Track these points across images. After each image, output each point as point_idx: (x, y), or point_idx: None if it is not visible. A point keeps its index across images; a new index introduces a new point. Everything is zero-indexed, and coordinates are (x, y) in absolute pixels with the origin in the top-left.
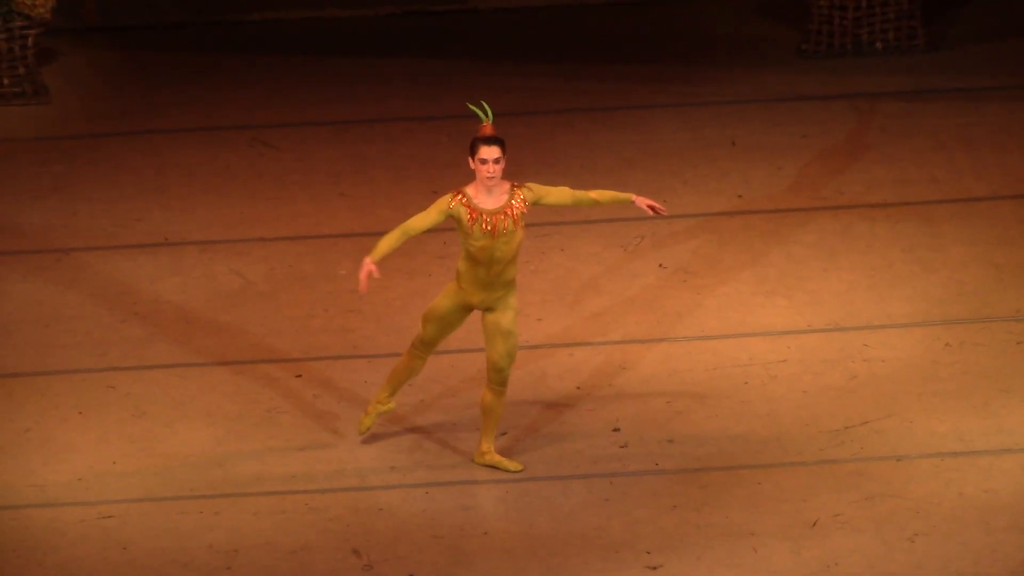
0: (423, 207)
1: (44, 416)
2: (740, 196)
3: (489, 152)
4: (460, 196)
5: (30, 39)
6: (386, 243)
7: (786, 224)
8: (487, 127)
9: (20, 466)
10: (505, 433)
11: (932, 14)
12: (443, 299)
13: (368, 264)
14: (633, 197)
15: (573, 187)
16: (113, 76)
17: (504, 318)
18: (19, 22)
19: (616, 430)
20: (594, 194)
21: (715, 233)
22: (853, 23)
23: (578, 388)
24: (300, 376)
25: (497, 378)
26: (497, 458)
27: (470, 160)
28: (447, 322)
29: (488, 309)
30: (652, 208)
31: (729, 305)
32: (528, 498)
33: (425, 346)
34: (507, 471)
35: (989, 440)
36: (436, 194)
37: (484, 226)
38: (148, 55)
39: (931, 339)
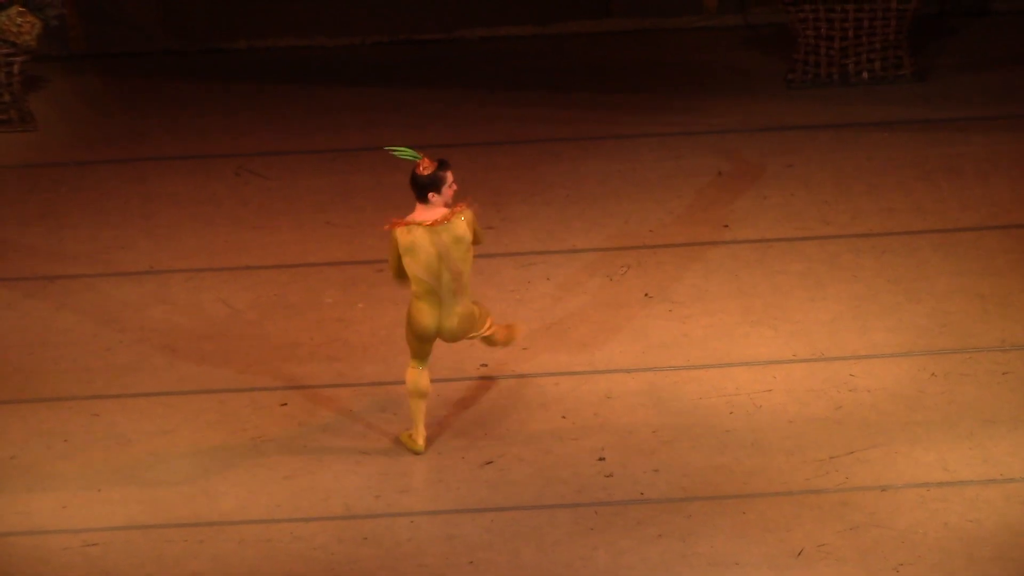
0: None
1: (29, 443)
2: (726, 226)
3: (452, 175)
4: (409, 232)
5: (16, 66)
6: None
7: (772, 254)
8: (427, 160)
9: (4, 493)
10: (491, 463)
11: (919, 44)
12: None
13: None
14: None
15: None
16: (99, 103)
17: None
18: (5, 49)
19: (601, 459)
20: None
21: (701, 262)
22: (839, 53)
23: (563, 417)
24: (286, 405)
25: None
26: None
27: (431, 195)
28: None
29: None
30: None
31: (715, 335)
32: (514, 527)
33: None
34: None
35: (974, 470)
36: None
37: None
38: (135, 82)
39: (917, 369)
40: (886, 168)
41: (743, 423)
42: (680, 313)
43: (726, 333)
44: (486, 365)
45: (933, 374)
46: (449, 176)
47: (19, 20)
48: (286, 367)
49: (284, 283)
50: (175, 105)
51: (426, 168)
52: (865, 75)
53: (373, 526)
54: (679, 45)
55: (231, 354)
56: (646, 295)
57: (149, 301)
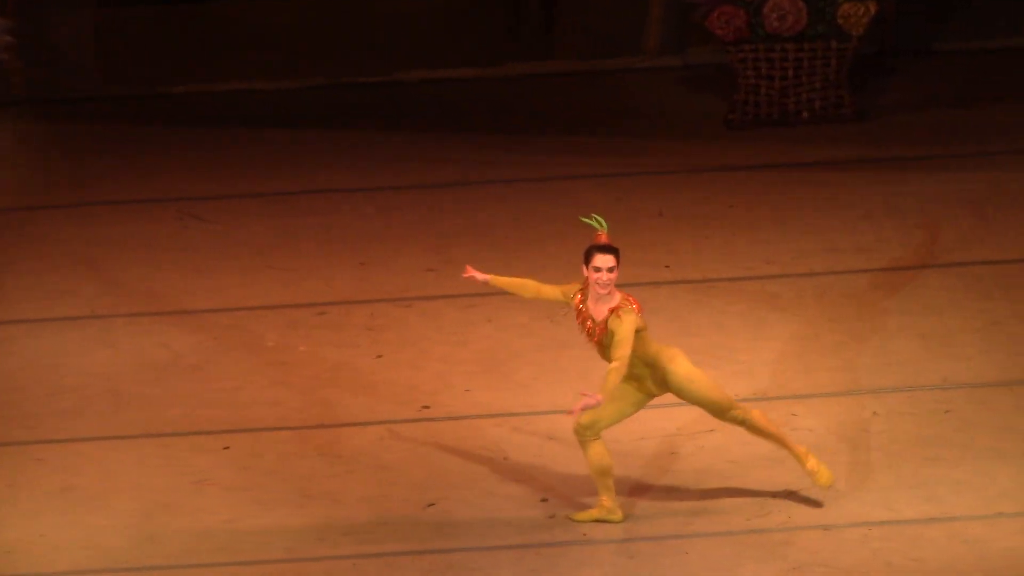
0: (349, 279)
1: None
2: (667, 267)
3: (603, 260)
4: (580, 294)
5: None
6: (508, 281)
7: (714, 294)
8: (603, 235)
9: None
10: (433, 504)
11: (859, 83)
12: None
13: (481, 275)
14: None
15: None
16: (41, 149)
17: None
18: None
19: (544, 500)
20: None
21: (643, 303)
22: (780, 93)
23: (506, 459)
24: (228, 448)
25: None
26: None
27: (584, 267)
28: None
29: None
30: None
31: None
32: (456, 569)
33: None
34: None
35: (917, 509)
36: (363, 266)
37: (587, 329)
38: (76, 127)
39: (859, 408)
40: (828, 207)
41: (685, 463)
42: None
43: None
44: (428, 407)
45: (875, 413)
46: (597, 259)
47: None
48: (228, 410)
49: (226, 327)
50: (116, 150)
51: (596, 240)
52: (805, 115)
53: (314, 569)
54: (620, 87)
55: (174, 398)
56: None
57: (92, 346)
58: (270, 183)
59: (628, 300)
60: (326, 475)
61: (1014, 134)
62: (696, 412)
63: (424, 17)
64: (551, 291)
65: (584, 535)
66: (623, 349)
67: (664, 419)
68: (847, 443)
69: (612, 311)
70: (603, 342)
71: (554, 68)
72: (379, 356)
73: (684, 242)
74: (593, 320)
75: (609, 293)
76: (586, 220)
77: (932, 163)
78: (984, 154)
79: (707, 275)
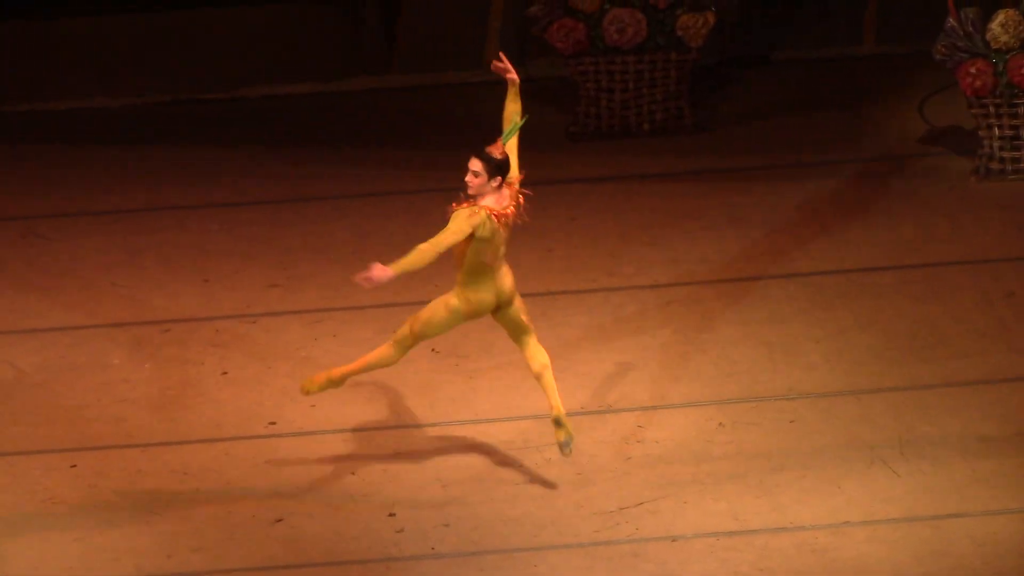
0: (193, 295)
1: None
2: None
3: (471, 163)
4: (480, 209)
5: None
6: (416, 260)
7: (557, 306)
8: (497, 144)
9: None
10: (281, 520)
11: (699, 95)
12: (445, 318)
13: (382, 269)
14: (508, 81)
15: None
16: None
17: (520, 309)
18: None
19: (392, 515)
20: (507, 111)
21: (486, 317)
22: (621, 106)
23: (353, 473)
24: (75, 466)
25: (535, 354)
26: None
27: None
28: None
29: (500, 308)
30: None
31: (502, 388)
32: None
33: (409, 345)
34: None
35: (764, 519)
36: (207, 283)
37: (502, 224)
38: None
39: (704, 419)
40: (670, 219)
41: (532, 476)
42: (467, 367)
43: (513, 386)
44: (275, 423)
45: (720, 423)
46: (469, 162)
47: None
48: (75, 428)
49: (70, 345)
50: None
51: (500, 151)
52: (647, 127)
53: None
54: (460, 99)
55: (19, 416)
56: (433, 350)
57: None
58: (112, 200)
59: (484, 207)
60: (173, 492)
61: (853, 143)
62: (543, 424)
63: (265, 32)
64: (456, 235)
65: (432, 549)
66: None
67: (511, 432)
68: (693, 454)
69: (506, 192)
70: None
71: (394, 82)
72: (225, 372)
73: (527, 255)
74: (498, 213)
75: (477, 197)
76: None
77: (773, 173)
78: (823, 163)
79: (550, 288)
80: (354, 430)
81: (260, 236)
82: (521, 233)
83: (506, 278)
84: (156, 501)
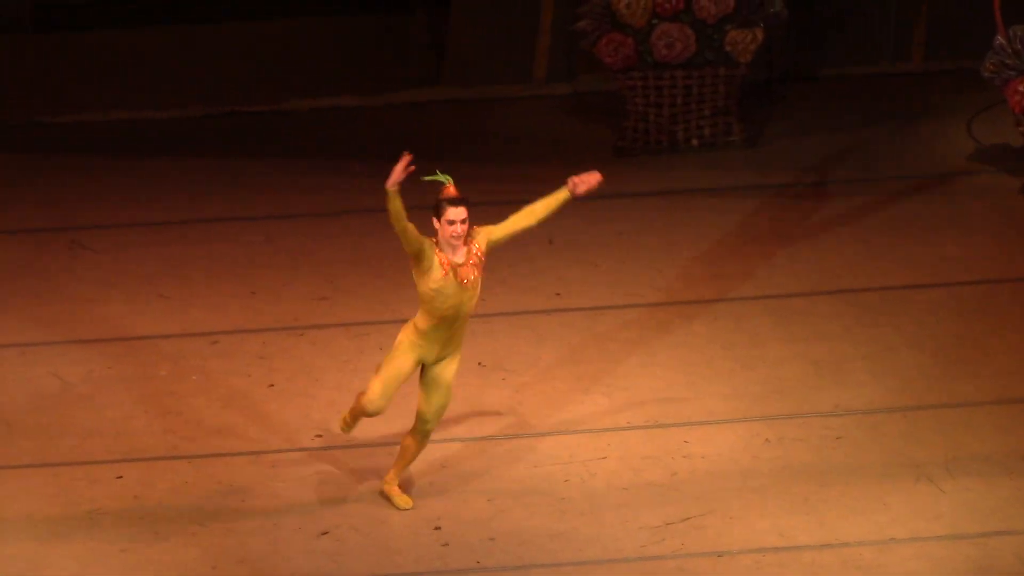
0: (240, 308)
1: None
2: (558, 294)
3: (456, 213)
4: (436, 242)
5: None
6: (399, 208)
7: (604, 321)
8: (451, 188)
9: None
10: (327, 533)
11: (748, 110)
12: (403, 359)
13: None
14: (568, 190)
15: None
16: None
17: (448, 371)
18: None
19: (437, 528)
20: (534, 207)
21: (533, 331)
22: (669, 120)
23: (399, 487)
24: (121, 477)
25: (422, 428)
26: (395, 491)
27: (435, 220)
28: (401, 380)
29: (436, 361)
30: (584, 183)
31: (548, 403)
32: None
33: (379, 408)
34: (396, 506)
35: (810, 535)
36: (254, 295)
37: (459, 279)
38: None
39: (751, 435)
40: (717, 235)
41: (578, 491)
42: (513, 381)
43: (559, 401)
44: (321, 435)
45: (767, 440)
46: (450, 212)
47: None
48: (121, 440)
49: (117, 356)
50: (2, 179)
51: (444, 193)
52: (695, 142)
53: None
54: (509, 114)
55: (65, 428)
56: (479, 364)
57: None
58: (158, 212)
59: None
60: (219, 504)
61: (900, 160)
62: (589, 439)
63: (313, 45)
64: (415, 235)
65: (478, 563)
66: (507, 221)
67: (557, 446)
68: (738, 470)
69: (472, 241)
70: (472, 285)
71: (442, 95)
72: (271, 385)
73: (574, 269)
74: (457, 266)
75: (462, 243)
76: (430, 178)
77: (819, 189)
78: (870, 180)
79: (596, 303)
80: (398, 443)
81: (306, 248)
82: (567, 248)
83: (450, 364)
84: (201, 513)
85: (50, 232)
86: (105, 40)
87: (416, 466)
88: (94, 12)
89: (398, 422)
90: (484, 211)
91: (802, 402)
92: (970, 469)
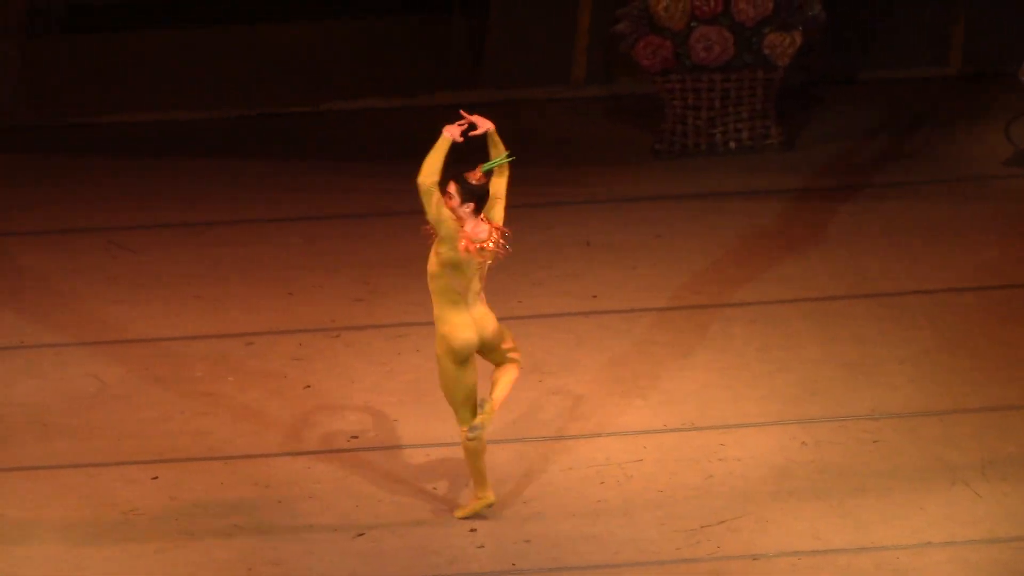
0: (276, 309)
1: None
2: (595, 296)
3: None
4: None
5: None
6: (439, 159)
7: (641, 324)
8: (479, 172)
9: None
10: (362, 534)
11: (786, 113)
12: (461, 374)
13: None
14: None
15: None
16: None
17: (491, 319)
18: None
19: (473, 530)
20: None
21: (570, 333)
22: (707, 123)
23: (434, 488)
24: (157, 478)
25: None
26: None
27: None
28: (470, 381)
29: (487, 350)
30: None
31: (584, 405)
32: None
33: (468, 417)
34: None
35: (845, 538)
36: (291, 296)
37: (475, 253)
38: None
39: (787, 438)
40: (754, 237)
41: (614, 493)
42: (550, 384)
43: (596, 403)
44: (356, 437)
45: (803, 443)
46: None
47: None
48: (156, 441)
49: (153, 357)
50: (40, 180)
51: (477, 178)
52: (733, 145)
53: None
54: (547, 115)
55: (101, 428)
56: None
57: (18, 376)
58: (195, 213)
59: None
60: (254, 505)
61: (937, 164)
62: (625, 441)
63: (351, 46)
64: (439, 203)
65: (513, 565)
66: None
67: (592, 449)
68: (774, 473)
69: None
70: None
71: (480, 97)
72: (307, 386)
73: (611, 272)
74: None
75: (472, 219)
76: (489, 166)
77: (857, 193)
78: (907, 184)
79: (634, 305)
80: (435, 445)
81: (342, 249)
82: (604, 251)
83: (487, 320)
84: (237, 514)
85: (88, 232)
86: (145, 41)
87: (450, 467)
88: (130, 13)
89: (434, 424)
90: (520, 213)
91: (838, 405)
92: (1007, 473)
